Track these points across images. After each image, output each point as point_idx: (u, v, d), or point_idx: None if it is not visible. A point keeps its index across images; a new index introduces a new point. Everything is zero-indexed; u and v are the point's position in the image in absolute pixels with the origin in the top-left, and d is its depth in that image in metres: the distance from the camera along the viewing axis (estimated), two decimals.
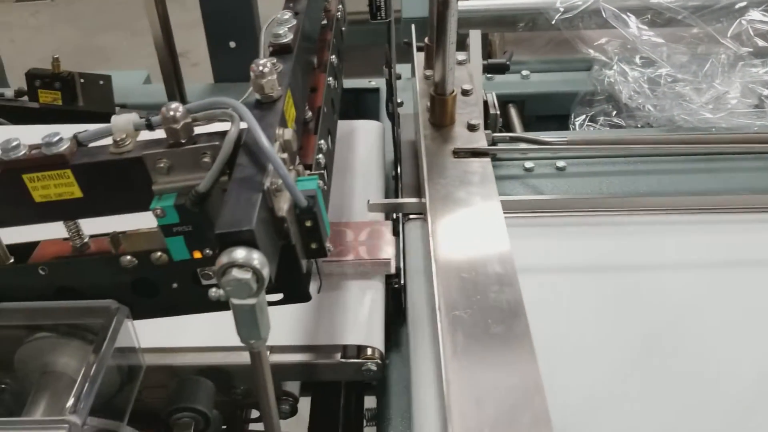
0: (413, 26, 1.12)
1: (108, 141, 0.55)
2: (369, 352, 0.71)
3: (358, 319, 0.74)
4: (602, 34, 1.25)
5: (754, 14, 1.19)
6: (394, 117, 1.06)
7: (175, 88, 1.24)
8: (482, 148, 0.88)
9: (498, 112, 1.05)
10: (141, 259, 0.56)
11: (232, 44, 1.34)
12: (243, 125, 0.53)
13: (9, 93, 1.29)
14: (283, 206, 0.52)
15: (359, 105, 1.36)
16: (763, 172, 0.94)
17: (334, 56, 0.89)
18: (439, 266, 0.69)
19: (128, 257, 0.57)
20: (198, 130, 0.55)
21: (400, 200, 0.90)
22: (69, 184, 0.54)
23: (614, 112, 1.13)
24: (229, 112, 0.54)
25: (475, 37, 1.06)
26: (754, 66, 1.13)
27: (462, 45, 1.12)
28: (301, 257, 0.55)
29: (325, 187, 0.70)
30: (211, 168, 0.52)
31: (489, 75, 1.26)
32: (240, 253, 0.45)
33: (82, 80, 1.21)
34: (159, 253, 0.56)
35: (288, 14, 0.73)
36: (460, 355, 0.60)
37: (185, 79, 1.34)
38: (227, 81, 1.36)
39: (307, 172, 0.65)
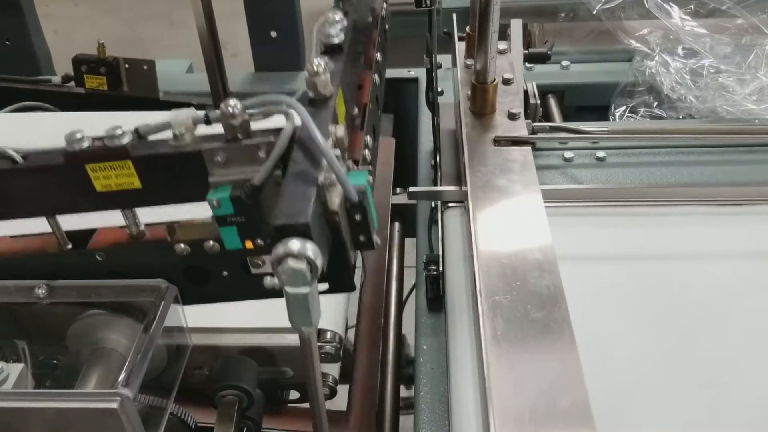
0: (454, 15, 1.13)
1: (167, 134, 0.58)
2: (328, 336, 0.72)
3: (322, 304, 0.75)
4: (644, 25, 1.24)
5: None
6: (434, 106, 1.06)
7: (218, 78, 1.26)
8: (523, 136, 0.88)
9: (538, 102, 1.04)
10: (194, 247, 0.59)
11: (274, 34, 1.35)
12: (297, 122, 0.55)
13: (56, 80, 1.32)
14: (335, 200, 0.54)
15: (398, 95, 1.36)
16: None
17: (379, 54, 0.90)
18: (480, 252, 0.70)
19: (182, 245, 0.59)
20: (255, 125, 0.57)
21: (440, 188, 0.90)
22: (129, 174, 0.57)
23: (655, 104, 1.12)
24: (284, 108, 0.56)
25: (516, 26, 1.05)
26: None
27: (502, 35, 1.11)
28: (349, 249, 0.57)
29: (373, 181, 0.71)
30: (266, 162, 0.54)
31: (529, 65, 1.26)
32: (296, 244, 0.46)
33: (126, 65, 1.24)
34: (212, 242, 0.58)
35: (339, 14, 0.74)
36: (500, 340, 0.61)
37: (226, 69, 1.36)
38: (268, 70, 1.38)
39: (355, 167, 0.66)
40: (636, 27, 1.24)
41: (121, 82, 1.24)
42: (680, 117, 1.09)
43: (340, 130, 0.58)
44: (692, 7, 1.21)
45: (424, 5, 0.87)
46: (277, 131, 0.54)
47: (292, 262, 0.46)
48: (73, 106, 1.25)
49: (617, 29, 1.23)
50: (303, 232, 0.47)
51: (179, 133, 0.55)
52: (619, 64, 1.23)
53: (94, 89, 1.24)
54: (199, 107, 0.89)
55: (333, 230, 0.53)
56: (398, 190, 1.11)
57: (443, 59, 1.25)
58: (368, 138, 0.74)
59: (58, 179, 0.57)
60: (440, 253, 0.85)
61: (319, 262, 0.47)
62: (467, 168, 0.82)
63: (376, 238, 0.58)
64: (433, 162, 1.05)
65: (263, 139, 0.54)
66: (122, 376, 0.54)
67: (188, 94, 1.28)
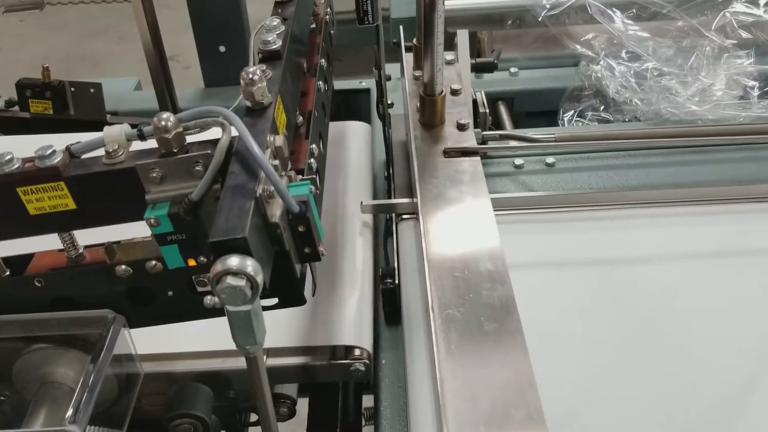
0: (401, 27, 1.13)
1: (100, 152, 0.56)
2: (357, 352, 0.72)
3: (347, 320, 0.75)
4: (589, 30, 1.26)
5: (738, 6, 1.20)
6: (384, 118, 1.06)
7: (166, 94, 1.24)
8: (472, 147, 0.89)
9: (487, 111, 1.05)
10: (136, 268, 0.57)
11: (222, 48, 1.34)
12: (234, 133, 0.54)
13: (0, 105, 1.29)
14: (275, 212, 0.52)
15: (350, 106, 1.36)
16: (749, 162, 0.96)
17: (323, 60, 0.90)
18: (432, 266, 0.70)
19: (123, 267, 0.57)
20: (189, 138, 0.56)
21: (393, 201, 0.90)
22: (63, 196, 0.55)
23: (602, 107, 1.14)
24: (220, 120, 0.55)
25: (462, 36, 1.06)
26: (739, 57, 1.15)
27: (450, 44, 1.12)
28: (295, 262, 0.56)
29: (317, 191, 0.71)
30: (204, 176, 0.53)
31: (478, 74, 1.27)
32: (234, 261, 0.45)
33: (72, 89, 1.22)
34: (154, 262, 0.57)
35: (276, 20, 0.74)
36: (454, 354, 0.61)
37: (177, 83, 1.34)
38: (218, 85, 1.36)
39: (299, 177, 0.66)
40: (581, 32, 1.26)
41: (68, 106, 1.21)
42: (626, 119, 1.11)
43: (279, 140, 0.58)
44: (634, 11, 1.24)
45: (366, 22, 0.87)
46: (214, 143, 0.53)
47: (230, 280, 0.45)
48: (18, 130, 1.22)
49: (563, 35, 1.25)
50: (241, 248, 0.46)
51: (112, 150, 0.54)
52: (566, 69, 1.25)
53: (40, 113, 1.21)
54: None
55: (275, 243, 0.53)
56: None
57: (394, 69, 1.25)
58: (314, 146, 0.73)
59: None
60: (396, 265, 0.85)
61: (260, 278, 0.46)
62: (417, 181, 0.82)
63: (321, 249, 0.57)
64: (386, 174, 1.05)
65: (199, 152, 0.53)
66: (69, 411, 0.52)
67: (136, 113, 1.26)
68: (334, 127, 1.06)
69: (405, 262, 0.83)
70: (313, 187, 0.58)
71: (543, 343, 0.66)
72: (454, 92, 0.99)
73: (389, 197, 0.99)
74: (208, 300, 0.47)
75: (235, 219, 0.48)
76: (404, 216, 0.89)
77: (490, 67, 1.17)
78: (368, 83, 1.35)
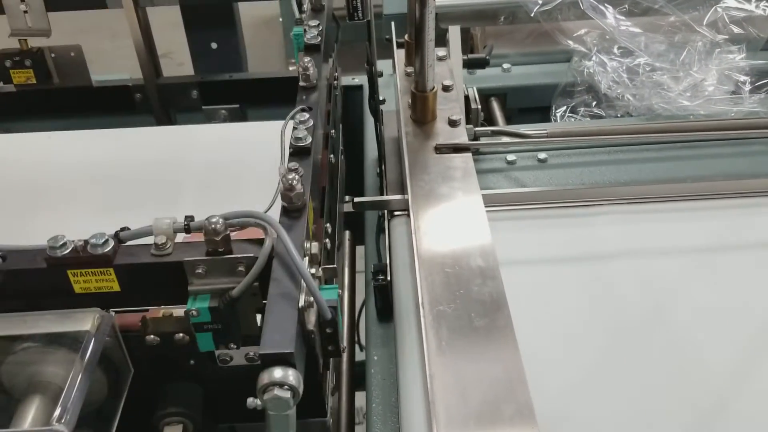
0: (393, 24, 1.13)
1: (148, 239, 0.59)
2: None
3: None
4: (581, 26, 1.26)
5: (729, 1, 1.20)
6: (376, 114, 1.06)
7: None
8: (463, 143, 0.89)
9: (479, 107, 1.05)
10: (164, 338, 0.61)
11: (214, 45, 1.34)
12: (274, 236, 0.57)
13: None
14: (311, 319, 0.55)
15: (343, 102, 1.36)
16: (740, 157, 0.96)
17: (333, 130, 0.90)
18: (423, 262, 0.70)
19: (152, 336, 0.61)
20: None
21: (385, 198, 0.90)
22: (110, 280, 0.59)
23: (594, 103, 1.14)
24: (263, 224, 0.58)
25: (454, 33, 1.06)
26: (730, 53, 1.15)
27: (443, 40, 1.12)
28: (320, 358, 0.59)
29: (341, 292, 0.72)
30: (246, 277, 0.56)
31: (470, 70, 1.27)
32: (279, 373, 0.49)
33: (52, 54, 1.18)
34: (182, 335, 0.61)
35: (306, 115, 0.73)
36: (445, 350, 0.61)
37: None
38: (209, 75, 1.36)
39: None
40: (573, 28, 1.26)
41: (50, 73, 1.19)
42: (618, 115, 1.11)
43: (315, 247, 0.61)
44: (626, 6, 1.24)
45: (356, 18, 0.87)
46: (255, 244, 0.57)
47: (278, 392, 0.48)
48: (6, 108, 1.20)
49: (555, 31, 1.25)
50: (287, 361, 0.50)
51: (161, 243, 0.58)
52: (558, 65, 1.25)
53: (24, 84, 1.19)
54: None
55: (308, 347, 0.56)
56: (347, 198, 1.11)
57: (387, 65, 1.25)
58: (328, 226, 0.74)
59: (37, 281, 0.58)
60: (388, 262, 0.85)
61: (301, 389, 0.50)
62: (408, 177, 0.82)
63: (343, 345, 0.60)
64: (378, 170, 1.05)
65: (244, 254, 0.57)
66: (57, 411, 0.52)
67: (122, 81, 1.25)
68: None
69: (397, 258, 0.82)
70: (340, 291, 0.60)
71: (534, 339, 0.66)
72: (446, 88, 0.99)
73: (381, 194, 0.99)
74: (251, 401, 0.50)
75: (283, 332, 0.51)
76: (396, 212, 0.89)
77: (482, 63, 1.16)
78: (361, 80, 1.34)
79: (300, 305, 0.53)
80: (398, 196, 0.88)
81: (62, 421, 0.50)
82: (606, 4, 1.21)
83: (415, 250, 0.71)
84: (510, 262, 0.80)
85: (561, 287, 0.79)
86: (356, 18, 0.89)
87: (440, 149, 0.88)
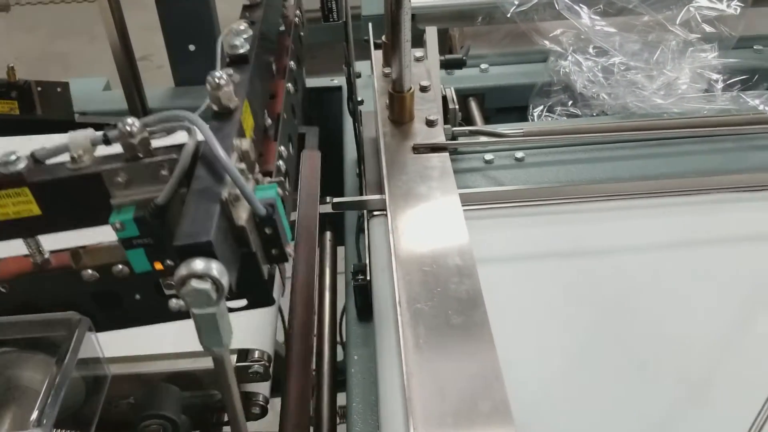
0: (370, 24, 1.13)
1: (65, 157, 0.56)
2: (256, 354, 0.73)
3: (249, 322, 0.75)
4: (557, 26, 1.27)
5: (702, 1, 1.22)
6: (355, 115, 1.07)
7: (135, 94, 1.23)
8: (440, 143, 0.89)
9: (457, 107, 1.06)
10: (102, 272, 0.57)
11: (192, 47, 1.33)
12: (200, 137, 0.54)
13: None
14: (242, 215, 0.53)
15: (322, 103, 1.36)
16: (713, 154, 0.97)
17: (292, 62, 0.90)
18: (401, 261, 0.71)
19: (90, 271, 0.57)
20: (157, 143, 0.56)
21: (364, 198, 0.91)
22: (27, 201, 0.55)
23: (570, 102, 1.15)
24: (186, 124, 0.55)
25: (431, 34, 1.07)
26: (703, 51, 1.17)
27: (421, 40, 1.13)
28: (262, 263, 0.56)
29: (286, 192, 0.71)
30: (169, 180, 0.53)
31: (448, 70, 1.28)
32: (199, 264, 0.45)
33: (39, 88, 1.19)
34: (120, 266, 0.57)
35: (244, 24, 0.74)
36: (422, 348, 0.62)
37: (149, 83, 1.33)
38: (188, 84, 1.35)
39: (267, 179, 0.66)
40: (550, 28, 1.27)
41: (35, 106, 1.19)
42: (594, 114, 1.13)
43: (246, 143, 0.58)
44: (601, 6, 1.25)
45: (331, 20, 0.88)
46: (180, 148, 0.53)
47: (195, 283, 0.45)
48: None
49: (532, 31, 1.26)
50: (206, 251, 0.46)
51: (77, 156, 0.54)
52: (535, 65, 1.26)
53: (6, 114, 1.19)
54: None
55: (242, 245, 0.53)
56: (328, 199, 1.11)
57: (365, 66, 1.25)
58: (282, 149, 0.73)
59: None
60: (367, 261, 0.85)
61: (225, 281, 0.46)
62: (386, 177, 0.82)
63: (289, 251, 0.57)
64: (358, 171, 1.05)
65: (165, 156, 0.53)
66: (34, 415, 0.52)
67: (106, 114, 1.25)
68: None
69: (376, 258, 0.83)
70: (280, 190, 0.59)
71: (511, 336, 0.67)
72: (423, 89, 0.99)
73: (361, 194, 0.99)
74: (174, 303, 0.47)
75: (200, 223, 0.48)
76: (375, 212, 0.89)
77: (459, 64, 1.17)
78: (340, 81, 1.35)
79: (223, 198, 0.50)
80: (377, 196, 0.89)
81: (40, 424, 0.50)
82: (581, 5, 1.23)
83: (392, 250, 0.71)
84: (487, 259, 0.81)
85: (537, 284, 0.80)
86: (331, 19, 0.89)
87: (418, 149, 0.89)
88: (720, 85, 1.12)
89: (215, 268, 0.46)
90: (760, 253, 0.83)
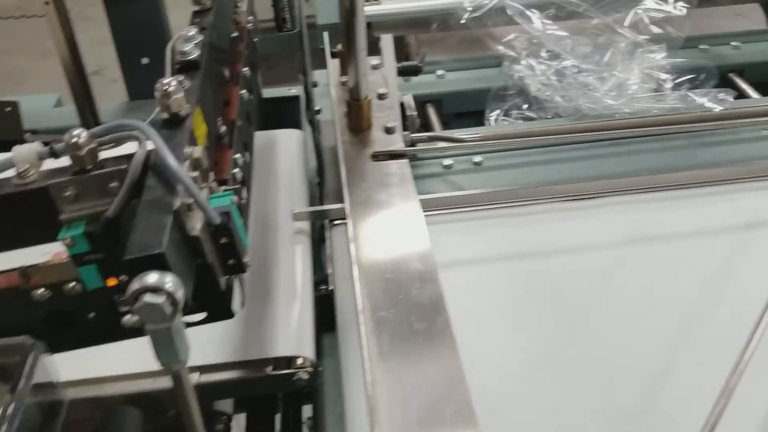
0: (326, 34, 1.14)
1: (11, 173, 0.54)
2: (299, 361, 0.72)
3: (288, 329, 0.74)
4: (511, 30, 1.29)
5: (649, 3, 1.25)
6: (312, 124, 1.07)
7: (88, 110, 1.21)
8: (399, 150, 0.90)
9: (415, 113, 1.07)
10: (54, 291, 0.55)
11: (145, 60, 1.31)
12: (151, 146, 0.53)
13: None
14: (196, 225, 0.52)
15: (281, 113, 1.35)
16: (663, 152, 1.00)
17: (246, 68, 0.89)
18: (362, 269, 0.71)
19: (41, 291, 0.55)
20: (108, 153, 0.55)
21: (324, 207, 0.91)
22: None
23: (525, 106, 1.17)
24: (135, 134, 0.54)
25: (386, 42, 1.08)
26: (652, 52, 1.19)
27: (377, 48, 1.13)
28: (219, 275, 0.55)
29: (243, 201, 0.70)
30: (119, 192, 0.51)
31: (405, 77, 1.29)
32: (152, 278, 0.45)
33: None
34: (72, 284, 0.55)
35: (194, 30, 0.73)
36: (386, 356, 0.62)
37: (103, 98, 1.30)
38: (143, 98, 1.33)
39: (223, 187, 0.65)
40: (504, 33, 1.29)
41: None
42: (549, 116, 1.14)
43: (198, 151, 0.57)
44: (553, 11, 1.27)
45: (285, 30, 0.87)
46: (129, 158, 0.52)
47: (148, 298, 0.44)
48: None
49: (486, 36, 1.28)
50: (159, 264, 0.45)
51: (23, 170, 0.53)
52: (491, 70, 1.28)
53: None
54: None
55: (198, 256, 0.52)
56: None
57: (323, 75, 1.25)
58: (238, 156, 0.73)
59: None
60: (330, 271, 0.85)
61: (180, 294, 0.45)
62: (346, 185, 0.82)
63: (246, 261, 0.57)
64: (318, 180, 1.05)
65: (114, 167, 0.52)
66: None
67: (58, 131, 1.22)
68: (264, 136, 1.05)
69: (338, 267, 0.83)
70: (235, 198, 0.58)
71: (473, 339, 0.68)
72: (381, 96, 1.00)
73: (321, 203, 0.99)
74: (127, 319, 0.46)
75: (152, 234, 0.47)
76: (336, 221, 0.89)
77: (415, 71, 1.18)
78: (298, 90, 1.34)
79: (176, 208, 0.49)
80: (337, 205, 0.89)
81: None
82: (533, 10, 1.25)
83: (354, 258, 0.71)
84: (449, 264, 0.81)
85: (498, 286, 0.81)
86: (285, 30, 0.89)
87: (377, 157, 0.89)
88: (669, 85, 1.15)
89: (169, 281, 0.45)
90: (713, 247, 0.85)
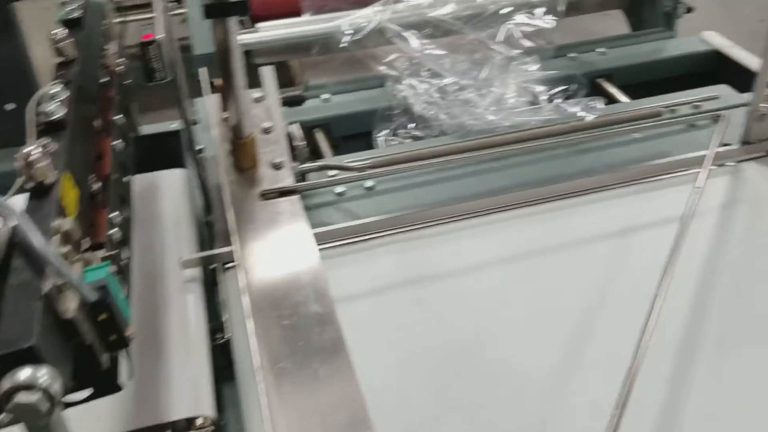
0: (205, 70, 1.11)
1: None
2: (199, 422, 0.69)
3: (184, 388, 0.71)
4: (393, 50, 1.31)
5: (519, 18, 1.31)
6: (196, 163, 1.03)
7: None
8: (288, 186, 0.89)
9: (303, 143, 1.06)
10: None
11: (10, 106, 1.23)
12: (16, 221, 0.50)
13: None
14: (70, 306, 0.49)
15: (163, 149, 1.30)
16: (544, 162, 1.04)
17: (120, 114, 0.85)
18: (258, 319, 0.69)
19: None
20: None
21: (214, 251, 0.88)
22: None
23: (412, 125, 1.18)
24: None
25: (267, 73, 1.06)
26: (525, 64, 1.25)
27: (258, 80, 1.11)
28: (99, 354, 0.52)
29: (124, 262, 0.67)
30: None
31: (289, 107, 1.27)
32: (23, 374, 0.41)
33: None
34: None
35: (58, 87, 0.68)
36: (290, 406, 0.60)
37: None
38: (9, 146, 1.24)
39: (101, 252, 0.62)
40: (385, 54, 1.31)
41: None
42: (435, 134, 1.17)
43: (67, 223, 0.54)
44: (429, 30, 1.31)
45: (157, 80, 0.84)
46: None
47: (22, 397, 0.41)
48: None
49: (367, 58, 1.29)
50: (30, 358, 0.42)
51: None
52: (375, 91, 1.29)
53: None
54: None
55: (75, 337, 0.49)
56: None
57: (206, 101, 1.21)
58: (115, 214, 0.69)
59: None
60: (226, 317, 0.83)
61: (57, 388, 0.42)
62: (235, 230, 0.80)
63: (129, 334, 0.54)
64: (205, 219, 1.02)
65: None
66: None
67: None
68: (145, 179, 1.01)
69: (234, 313, 0.81)
70: (113, 267, 0.55)
71: (375, 372, 0.68)
72: (266, 131, 0.98)
73: (212, 244, 0.96)
74: (1, 419, 0.43)
75: (20, 325, 0.44)
76: (228, 265, 0.87)
77: (299, 101, 1.18)
78: (180, 123, 1.29)
79: (45, 291, 0.46)
80: (228, 248, 0.86)
81: None
82: (411, 31, 1.27)
83: (247, 312, 0.70)
84: (347, 297, 0.81)
85: (396, 315, 0.82)
86: (157, 79, 0.85)
87: (266, 195, 0.88)
88: (544, 96, 1.20)
89: (43, 375, 0.42)
90: (601, 252, 0.89)
